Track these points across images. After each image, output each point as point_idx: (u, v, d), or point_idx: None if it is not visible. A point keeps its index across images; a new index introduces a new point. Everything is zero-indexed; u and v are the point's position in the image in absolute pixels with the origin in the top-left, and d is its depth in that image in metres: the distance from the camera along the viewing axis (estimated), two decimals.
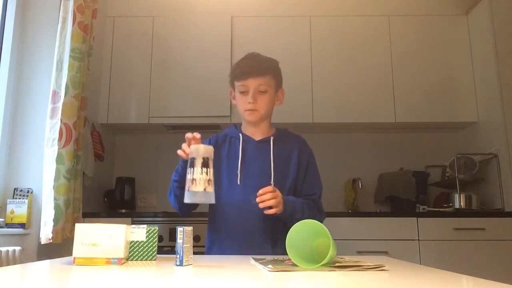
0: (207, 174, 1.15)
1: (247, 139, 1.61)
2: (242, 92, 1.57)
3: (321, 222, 1.33)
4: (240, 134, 1.62)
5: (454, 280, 0.84)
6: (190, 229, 1.10)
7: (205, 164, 1.16)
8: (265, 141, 1.61)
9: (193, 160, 1.17)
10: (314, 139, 3.33)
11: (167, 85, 3.21)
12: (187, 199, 1.14)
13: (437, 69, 3.23)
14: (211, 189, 1.16)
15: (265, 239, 1.51)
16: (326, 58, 3.24)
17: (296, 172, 1.59)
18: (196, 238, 2.62)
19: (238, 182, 1.54)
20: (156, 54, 3.25)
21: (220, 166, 1.58)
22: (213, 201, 1.17)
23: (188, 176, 1.15)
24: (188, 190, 1.14)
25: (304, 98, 3.14)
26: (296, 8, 3.36)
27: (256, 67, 1.56)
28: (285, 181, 1.56)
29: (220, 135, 1.67)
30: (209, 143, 1.62)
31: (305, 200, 1.55)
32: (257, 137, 1.62)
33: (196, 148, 1.20)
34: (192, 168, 1.15)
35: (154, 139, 3.47)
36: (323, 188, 1.65)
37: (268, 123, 1.65)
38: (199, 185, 1.13)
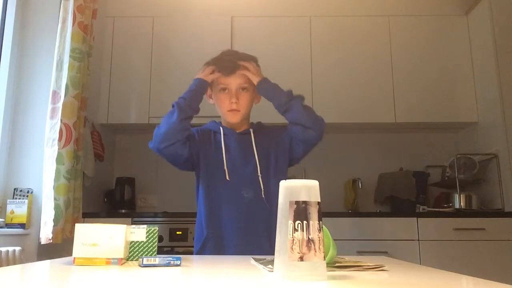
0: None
1: (228, 132, 1.61)
2: (223, 91, 1.56)
3: (321, 124, 1.55)
4: (221, 128, 1.62)
5: (454, 280, 0.84)
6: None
7: None
8: (246, 132, 1.61)
9: None
10: None
11: (167, 85, 3.20)
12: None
13: (437, 69, 3.23)
14: None
15: (261, 230, 1.50)
16: (326, 58, 3.24)
17: (281, 154, 1.58)
18: None
19: (227, 178, 1.53)
20: (156, 54, 3.25)
21: (207, 162, 1.57)
22: None
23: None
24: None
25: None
26: (296, 8, 3.36)
27: (235, 65, 1.56)
28: (270, 168, 1.56)
29: (203, 129, 1.66)
30: (197, 135, 1.61)
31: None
32: (238, 130, 1.63)
33: None
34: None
35: None
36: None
37: (248, 123, 1.64)
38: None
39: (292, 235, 0.77)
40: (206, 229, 1.54)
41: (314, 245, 0.76)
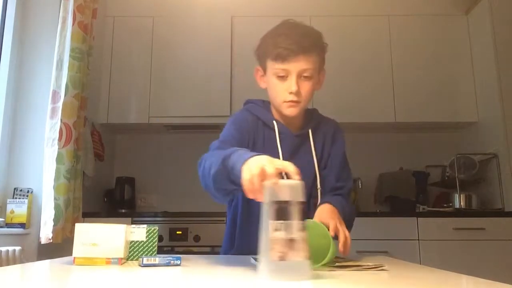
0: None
1: (283, 130, 1.33)
2: (280, 77, 1.25)
3: (352, 222, 1.34)
4: (275, 122, 1.33)
5: (454, 280, 0.84)
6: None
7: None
8: (303, 134, 1.35)
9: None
10: None
11: (167, 85, 3.21)
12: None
13: (437, 69, 3.23)
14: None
15: None
16: (325, 58, 3.23)
17: (331, 166, 1.36)
18: (196, 238, 2.62)
19: None
20: (156, 54, 3.25)
21: None
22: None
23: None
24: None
25: None
26: (296, 8, 3.35)
27: (300, 45, 1.22)
28: (325, 181, 1.34)
29: (252, 114, 1.35)
30: (240, 130, 1.29)
31: (340, 203, 1.29)
32: (294, 128, 1.34)
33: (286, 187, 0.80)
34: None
35: (154, 139, 3.47)
36: None
37: (303, 115, 1.37)
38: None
39: (273, 234, 0.76)
40: (236, 249, 1.35)
41: (295, 245, 0.76)
